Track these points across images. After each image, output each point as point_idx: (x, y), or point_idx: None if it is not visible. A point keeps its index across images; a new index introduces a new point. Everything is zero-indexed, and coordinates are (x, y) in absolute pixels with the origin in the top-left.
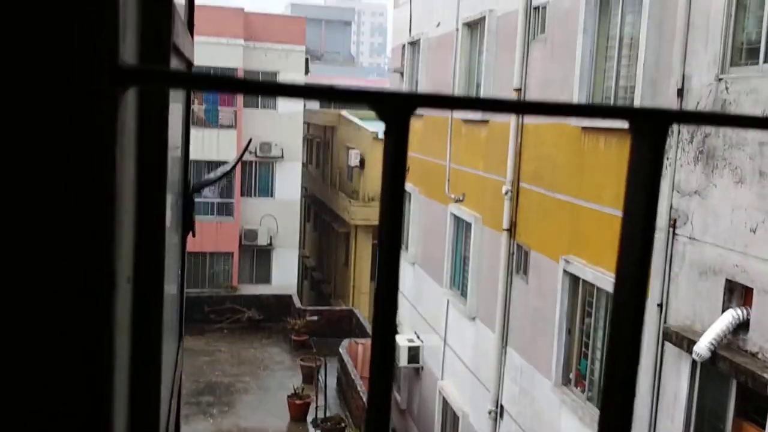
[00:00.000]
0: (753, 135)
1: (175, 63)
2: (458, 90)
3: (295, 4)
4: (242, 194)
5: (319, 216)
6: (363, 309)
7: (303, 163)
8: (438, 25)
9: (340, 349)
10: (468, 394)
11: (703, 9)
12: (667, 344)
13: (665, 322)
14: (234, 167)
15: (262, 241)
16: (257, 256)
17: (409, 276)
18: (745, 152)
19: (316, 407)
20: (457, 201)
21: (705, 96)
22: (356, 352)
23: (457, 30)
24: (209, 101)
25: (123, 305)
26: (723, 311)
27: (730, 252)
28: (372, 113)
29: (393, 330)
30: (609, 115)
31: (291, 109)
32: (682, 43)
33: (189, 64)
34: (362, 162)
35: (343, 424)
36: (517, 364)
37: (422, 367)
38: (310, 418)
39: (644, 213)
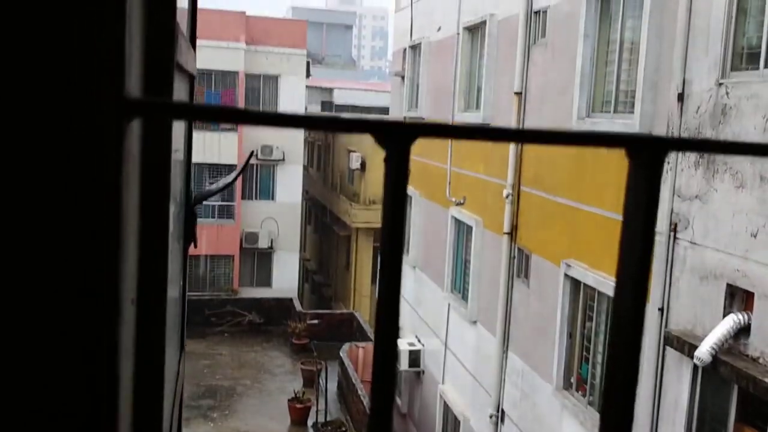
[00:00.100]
0: (753, 139)
1: (178, 82)
2: (459, 94)
3: (297, 8)
4: (243, 197)
5: (320, 219)
6: (364, 312)
7: (304, 166)
8: (439, 29)
9: (341, 353)
10: (469, 398)
11: (704, 13)
12: (668, 349)
13: (666, 326)
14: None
15: (262, 244)
16: (258, 260)
17: (409, 279)
18: (745, 157)
19: (317, 411)
20: (458, 204)
21: (705, 101)
22: (357, 355)
23: (458, 34)
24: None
25: (127, 325)
26: (724, 316)
27: (731, 256)
28: (373, 117)
29: (395, 337)
30: (607, 143)
31: (292, 112)
32: (683, 48)
33: (192, 77)
34: (363, 165)
35: (343, 428)
36: (518, 368)
37: (423, 371)
38: (310, 422)
39: (642, 238)
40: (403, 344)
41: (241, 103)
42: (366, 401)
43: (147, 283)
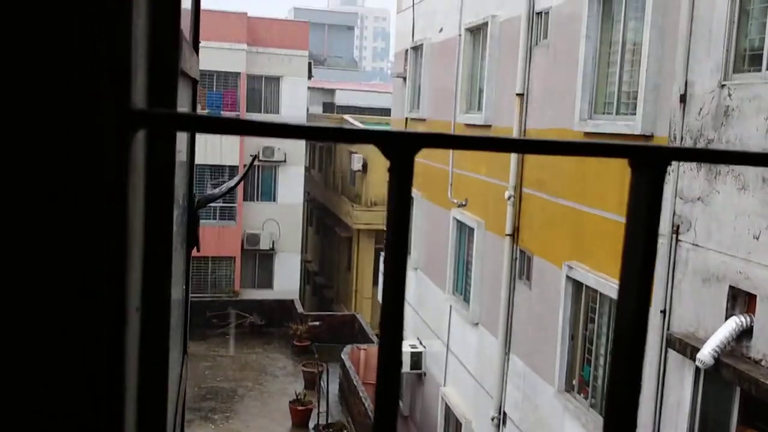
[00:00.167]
0: (756, 141)
1: (182, 88)
2: (461, 95)
3: (298, 9)
4: (245, 198)
5: (322, 220)
6: (365, 314)
7: (306, 167)
8: (441, 30)
9: (343, 355)
10: (471, 401)
11: (706, 15)
12: (671, 351)
13: (668, 328)
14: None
15: (264, 245)
16: (259, 261)
17: (411, 281)
18: None
19: (318, 413)
20: (460, 206)
21: (708, 102)
22: (359, 357)
23: (460, 35)
24: (212, 106)
25: (132, 329)
26: (726, 318)
27: (733, 259)
28: (374, 119)
29: (398, 348)
30: (609, 153)
31: (294, 114)
32: (685, 50)
33: (195, 82)
34: (365, 166)
35: (345, 431)
36: (520, 371)
37: (425, 373)
38: (312, 424)
39: (644, 246)
40: (405, 346)
41: (242, 104)
42: (367, 403)
43: (151, 288)
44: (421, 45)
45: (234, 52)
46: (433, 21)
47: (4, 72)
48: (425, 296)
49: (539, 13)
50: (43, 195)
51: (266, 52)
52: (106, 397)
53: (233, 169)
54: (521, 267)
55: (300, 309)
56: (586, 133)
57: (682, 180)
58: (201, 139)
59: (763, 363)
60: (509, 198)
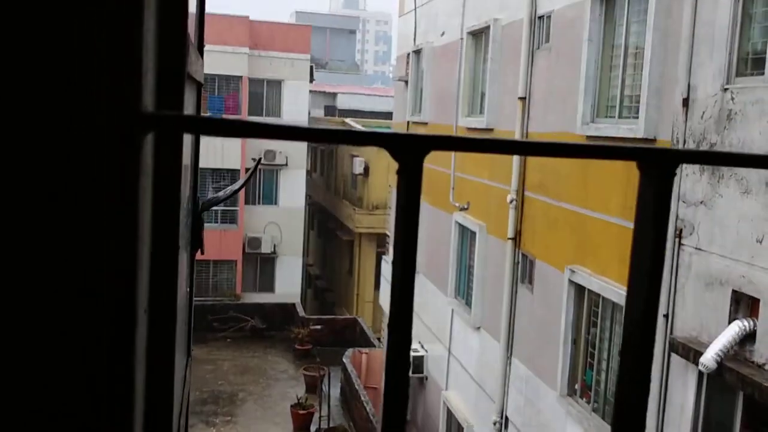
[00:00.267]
0: (759, 145)
1: (188, 91)
2: (463, 98)
3: (300, 13)
4: (246, 202)
5: (323, 224)
6: (367, 318)
7: (307, 171)
8: (442, 34)
9: (344, 359)
10: (473, 405)
11: (709, 19)
12: (674, 355)
13: (671, 333)
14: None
15: (265, 249)
16: (261, 265)
17: None
18: None
19: (320, 417)
20: (462, 209)
21: (711, 106)
22: (360, 361)
23: (462, 39)
24: (214, 110)
25: (140, 332)
26: (729, 322)
27: (736, 263)
28: (376, 123)
29: (406, 356)
30: (618, 156)
31: (296, 117)
32: (688, 53)
33: (200, 85)
34: (366, 170)
35: None
36: (522, 375)
37: (426, 377)
38: (313, 428)
39: (652, 248)
40: None
41: (244, 108)
42: (369, 407)
43: (158, 290)
44: (423, 48)
45: (236, 56)
46: (435, 24)
47: (22, 74)
48: (427, 300)
49: (541, 17)
50: (56, 196)
51: (268, 56)
52: (115, 397)
53: (235, 173)
54: (523, 271)
55: (301, 312)
56: (589, 137)
57: (684, 184)
58: (203, 142)
59: (766, 367)
60: (511, 201)
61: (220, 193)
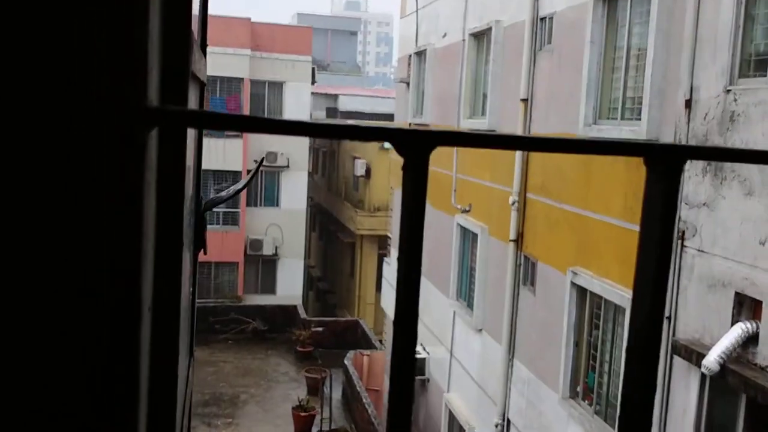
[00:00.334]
0: (762, 146)
1: (191, 89)
2: (464, 100)
3: (302, 14)
4: (248, 204)
5: (325, 226)
6: (368, 320)
7: (309, 173)
8: (444, 35)
9: (346, 361)
10: (474, 407)
11: (711, 20)
12: (676, 358)
13: (674, 335)
14: (246, 186)
15: (267, 251)
16: (262, 266)
17: None
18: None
19: (321, 419)
20: (464, 211)
21: (713, 107)
22: (362, 363)
23: (464, 40)
24: (215, 109)
25: (144, 331)
26: (732, 324)
27: (739, 265)
28: (377, 124)
29: (413, 344)
30: (625, 152)
31: (297, 118)
32: (690, 55)
33: (203, 85)
34: (368, 171)
35: None
36: (524, 377)
37: (428, 380)
38: (314, 430)
39: (659, 245)
40: None
41: (245, 110)
42: (371, 409)
43: (162, 288)
44: (425, 50)
45: (237, 58)
46: (436, 26)
47: (28, 69)
48: (429, 302)
49: (543, 18)
50: (60, 192)
51: (269, 58)
52: (117, 397)
53: (236, 175)
54: (525, 273)
55: (303, 314)
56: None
57: (687, 185)
58: (204, 144)
59: None
60: (513, 203)
61: (223, 193)
